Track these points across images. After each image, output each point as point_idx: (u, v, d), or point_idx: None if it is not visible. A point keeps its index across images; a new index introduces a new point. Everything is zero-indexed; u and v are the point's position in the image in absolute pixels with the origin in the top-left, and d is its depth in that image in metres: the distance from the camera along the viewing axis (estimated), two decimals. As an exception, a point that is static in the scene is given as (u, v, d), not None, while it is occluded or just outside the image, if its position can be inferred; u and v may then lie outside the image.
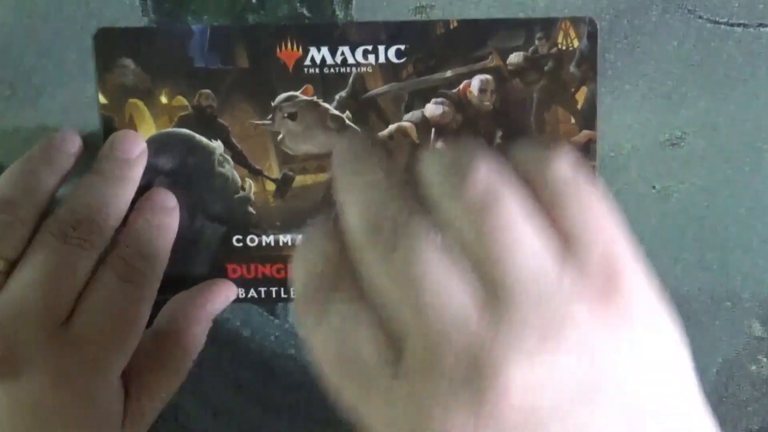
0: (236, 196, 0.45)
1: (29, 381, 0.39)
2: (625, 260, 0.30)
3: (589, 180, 0.31)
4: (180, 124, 0.45)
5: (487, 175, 0.30)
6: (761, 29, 0.44)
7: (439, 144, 0.36)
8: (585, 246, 0.30)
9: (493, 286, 0.29)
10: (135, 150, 0.44)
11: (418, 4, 0.44)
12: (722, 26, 0.44)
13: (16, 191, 0.42)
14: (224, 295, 0.46)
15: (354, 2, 0.44)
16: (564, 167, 0.31)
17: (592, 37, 0.43)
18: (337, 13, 0.44)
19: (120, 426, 0.42)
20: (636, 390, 0.29)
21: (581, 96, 0.45)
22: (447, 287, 0.29)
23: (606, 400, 0.29)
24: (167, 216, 0.44)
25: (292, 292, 0.46)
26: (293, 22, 0.44)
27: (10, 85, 0.45)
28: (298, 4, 0.44)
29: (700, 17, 0.44)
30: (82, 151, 0.44)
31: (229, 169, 0.45)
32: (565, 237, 0.30)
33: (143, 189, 0.44)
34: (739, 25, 0.44)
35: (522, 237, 0.29)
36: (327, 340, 0.31)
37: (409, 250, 0.29)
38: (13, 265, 0.41)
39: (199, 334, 0.45)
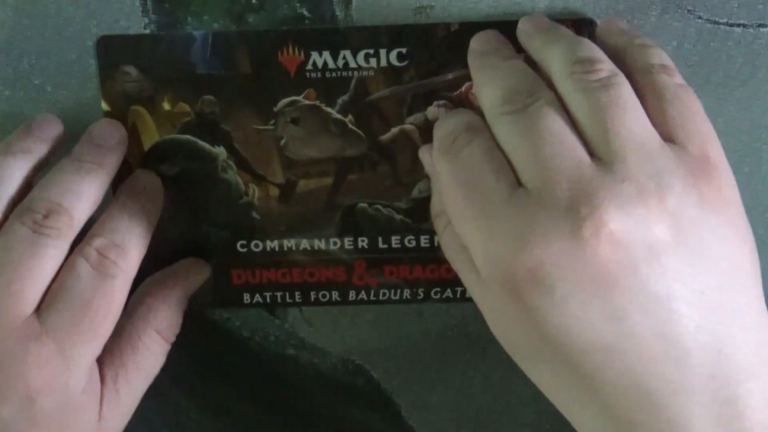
0: (240, 201, 0.45)
1: None
2: (719, 156, 0.36)
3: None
4: (183, 131, 0.45)
5: (608, 62, 0.37)
6: (761, 29, 0.44)
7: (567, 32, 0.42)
8: (685, 136, 0.35)
9: (604, 146, 0.35)
10: (112, 138, 0.43)
11: (417, 5, 0.44)
12: (722, 26, 0.44)
13: None
14: (196, 274, 0.46)
15: (354, 2, 0.44)
16: (672, 70, 0.38)
17: (593, 37, 0.43)
18: (337, 13, 0.44)
19: (96, 414, 0.42)
20: (713, 258, 0.34)
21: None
22: (566, 140, 0.35)
23: (687, 263, 0.33)
24: (148, 199, 0.44)
25: (297, 296, 0.47)
26: (293, 24, 0.44)
27: (10, 85, 0.45)
28: (298, 5, 0.44)
29: (700, 17, 0.44)
30: (63, 136, 0.44)
31: (233, 175, 0.45)
32: (664, 128, 0.36)
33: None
34: (739, 25, 0.44)
35: (634, 113, 0.35)
36: (457, 172, 0.37)
37: (536, 110, 0.36)
38: None
39: (172, 314, 0.45)
